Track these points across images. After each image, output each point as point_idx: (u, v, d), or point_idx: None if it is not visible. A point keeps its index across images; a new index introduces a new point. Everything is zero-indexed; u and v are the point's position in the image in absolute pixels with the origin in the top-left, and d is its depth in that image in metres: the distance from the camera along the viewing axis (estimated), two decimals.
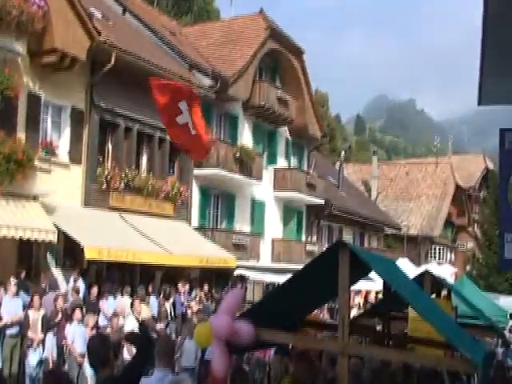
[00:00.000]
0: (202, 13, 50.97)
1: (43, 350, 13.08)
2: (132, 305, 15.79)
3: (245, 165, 25.74)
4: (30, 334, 13.21)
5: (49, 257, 17.25)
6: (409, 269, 22.59)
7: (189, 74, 24.20)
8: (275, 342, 6.76)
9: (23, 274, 15.75)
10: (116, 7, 25.57)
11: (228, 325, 5.86)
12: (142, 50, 21.83)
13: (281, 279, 18.93)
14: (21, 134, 17.08)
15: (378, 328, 9.31)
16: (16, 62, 16.71)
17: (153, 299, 17.45)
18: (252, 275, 24.22)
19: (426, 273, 10.01)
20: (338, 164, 44.60)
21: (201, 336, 6.41)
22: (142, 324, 14.33)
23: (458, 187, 52.50)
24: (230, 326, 5.86)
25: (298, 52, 30.52)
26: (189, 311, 18.23)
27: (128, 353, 12.15)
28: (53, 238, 16.27)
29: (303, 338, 6.51)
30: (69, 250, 17.65)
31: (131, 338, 6.09)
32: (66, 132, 18.85)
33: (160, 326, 15.98)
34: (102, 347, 5.37)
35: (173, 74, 22.18)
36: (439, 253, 50.12)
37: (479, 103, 7.01)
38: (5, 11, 15.68)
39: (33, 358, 12.99)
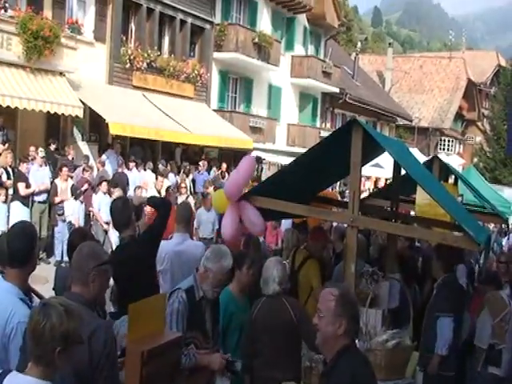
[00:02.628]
0: None
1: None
2: (155, 179, 15.93)
3: (263, 50, 25.04)
4: (57, 199, 13.37)
5: (75, 131, 17.23)
6: (419, 158, 22.45)
7: None
8: (288, 213, 6.75)
9: (52, 147, 15.77)
10: None
11: (237, 188, 5.84)
12: None
13: None
14: (48, 12, 16.61)
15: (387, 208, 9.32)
16: None
17: (171, 176, 17.55)
18: (268, 157, 24.22)
19: (435, 158, 9.90)
20: (353, 54, 43.44)
21: (217, 200, 6.44)
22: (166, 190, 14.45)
23: (469, 82, 51.26)
24: (239, 191, 5.85)
25: None
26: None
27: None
28: (79, 112, 16.15)
29: (314, 209, 6.49)
30: (94, 125, 17.61)
31: (152, 201, 6.15)
32: (91, 11, 18.32)
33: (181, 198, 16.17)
34: (124, 208, 5.42)
35: None
36: (448, 145, 49.66)
37: None
38: None
39: (61, 223, 13.23)
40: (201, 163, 19.50)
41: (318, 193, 7.99)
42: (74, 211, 13.13)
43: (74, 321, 2.72)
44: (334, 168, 6.76)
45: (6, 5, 15.58)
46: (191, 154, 21.63)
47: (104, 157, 16.65)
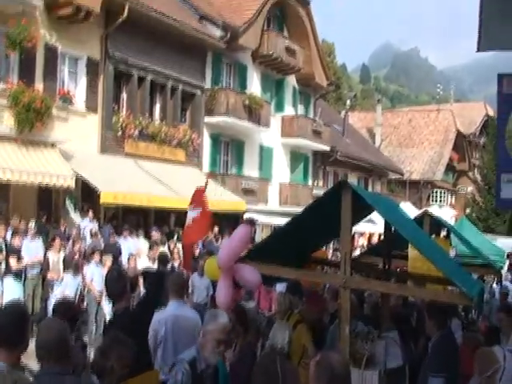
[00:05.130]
0: None
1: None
2: (150, 248, 15.95)
3: (253, 112, 25.55)
4: (50, 274, 13.41)
5: (67, 202, 17.35)
6: (411, 212, 22.61)
7: (200, 25, 23.87)
8: (282, 277, 6.84)
9: (44, 218, 15.90)
10: None
11: (229, 259, 5.95)
12: (154, 2, 21.48)
13: None
14: (39, 84, 17.02)
15: (380, 266, 9.40)
16: (33, 14, 16.50)
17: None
18: (260, 218, 24.35)
19: (426, 213, 10.06)
20: (343, 112, 44.24)
21: (210, 268, 6.53)
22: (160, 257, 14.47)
23: (459, 133, 52.09)
24: (231, 261, 5.95)
25: (304, 2, 29.93)
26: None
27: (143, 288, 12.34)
28: (71, 183, 16.35)
29: (307, 272, 6.59)
30: (86, 195, 17.74)
31: (146, 273, 6.22)
32: (83, 82, 18.76)
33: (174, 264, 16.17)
34: (118, 280, 5.49)
35: (184, 25, 21.96)
36: (440, 196, 50.06)
37: (478, 49, 6.89)
38: None
39: (54, 296, 13.19)
40: None
41: (312, 253, 8.09)
42: (67, 284, 13.13)
43: None
44: (327, 228, 6.88)
45: None
46: (184, 219, 21.68)
47: (96, 226, 16.76)
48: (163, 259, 13.13)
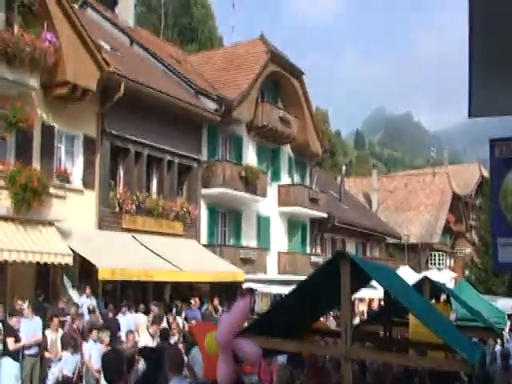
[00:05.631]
0: (206, 41, 51.34)
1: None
2: (151, 323, 15.77)
3: (250, 183, 25.79)
4: (48, 354, 13.24)
5: (65, 279, 17.27)
6: (410, 276, 22.53)
7: (194, 99, 24.39)
8: (283, 351, 6.78)
9: (41, 297, 15.78)
10: (124, 39, 25.83)
11: (228, 335, 5.92)
12: (149, 78, 22.03)
13: (287, 290, 18.91)
14: (36, 163, 17.21)
15: (381, 334, 9.32)
16: (30, 95, 16.87)
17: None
18: (260, 287, 24.20)
19: (425, 279, 10.05)
20: (339, 178, 44.64)
21: (210, 345, 6.48)
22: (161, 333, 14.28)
23: (454, 195, 52.44)
24: (230, 337, 5.92)
25: (297, 73, 30.68)
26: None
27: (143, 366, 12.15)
28: (69, 260, 16.31)
29: (307, 344, 6.54)
30: (85, 272, 17.67)
31: (144, 352, 6.16)
32: (79, 159, 18.98)
33: (173, 339, 15.96)
34: (115, 361, 5.42)
35: (179, 100, 22.43)
36: (439, 259, 49.92)
37: (470, 115, 7.02)
38: (19, 48, 15.87)
39: (52, 376, 12.97)
40: (192, 300, 19.40)
41: (312, 324, 8.04)
42: (65, 362, 12.92)
43: None
44: (327, 298, 6.88)
45: None
46: (182, 291, 21.60)
47: (94, 303, 16.62)
48: (164, 335, 12.96)
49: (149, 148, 21.52)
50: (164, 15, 50.40)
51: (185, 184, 23.84)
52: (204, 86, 26.07)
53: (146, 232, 20.70)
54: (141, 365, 11.70)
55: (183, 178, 23.70)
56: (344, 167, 50.44)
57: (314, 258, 30.17)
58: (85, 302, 16.47)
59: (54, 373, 12.81)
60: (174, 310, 18.37)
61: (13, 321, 13.13)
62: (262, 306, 24.61)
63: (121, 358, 5.50)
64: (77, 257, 16.98)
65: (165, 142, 22.18)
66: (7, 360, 12.31)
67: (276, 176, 29.88)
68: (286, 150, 31.03)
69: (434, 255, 49.83)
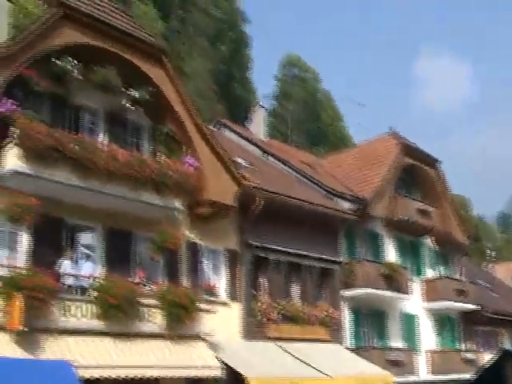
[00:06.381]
0: (336, 141, 52.41)
1: None
2: None
3: (392, 280, 25.30)
4: None
5: None
6: None
7: (328, 201, 24.75)
8: None
9: None
10: (257, 151, 27.06)
11: None
12: (284, 187, 22.78)
13: None
14: (184, 280, 18.12)
15: None
16: (175, 216, 17.92)
17: None
18: None
19: None
20: (487, 265, 42.55)
21: None
22: None
23: None
24: None
25: (432, 162, 30.33)
26: None
27: None
28: (218, 373, 16.64)
29: None
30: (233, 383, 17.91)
31: None
32: (223, 273, 19.73)
33: None
34: None
35: (315, 205, 22.85)
36: None
37: None
38: (164, 174, 17.08)
39: None
40: None
41: None
42: None
43: None
44: None
45: (145, 280, 17.19)
46: None
47: None
48: None
49: (288, 255, 21.93)
50: (291, 122, 52.27)
51: (326, 287, 23.83)
52: (337, 187, 26.43)
53: (290, 339, 20.75)
54: None
55: (324, 281, 23.73)
56: (491, 253, 48.14)
57: (466, 355, 28.60)
58: None
59: None
60: None
61: None
62: None
63: None
64: (225, 369, 17.32)
65: (303, 248, 22.51)
66: None
67: (419, 270, 29.09)
68: (427, 242, 30.24)
69: None
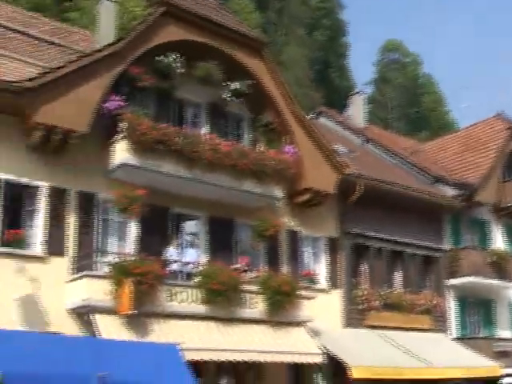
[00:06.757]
0: (438, 127, 51.01)
1: None
2: None
3: (500, 268, 24.51)
4: None
5: (317, 377, 17.79)
6: None
7: (432, 188, 24.29)
8: None
9: None
10: (356, 138, 26.91)
11: None
12: (384, 174, 22.57)
13: None
14: (284, 267, 18.49)
15: None
16: (275, 205, 18.32)
17: None
18: None
19: None
20: None
21: None
22: None
23: None
24: None
25: None
26: None
27: None
28: (319, 360, 16.84)
29: None
30: (335, 371, 18.07)
31: None
32: (323, 260, 19.92)
33: None
34: None
35: (417, 191, 22.52)
36: None
37: None
38: (264, 164, 17.46)
39: None
40: None
41: None
42: None
43: None
44: None
45: (247, 267, 17.66)
46: None
47: None
48: None
49: (390, 243, 21.78)
50: (391, 108, 51.35)
51: (429, 275, 23.46)
52: (441, 173, 25.83)
53: (391, 328, 20.63)
54: None
55: (427, 270, 23.36)
56: None
57: None
58: None
59: None
60: None
61: None
62: None
63: None
64: (326, 356, 17.52)
65: (405, 235, 22.26)
66: None
67: None
68: None
69: None
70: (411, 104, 54.23)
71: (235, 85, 17.92)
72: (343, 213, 20.56)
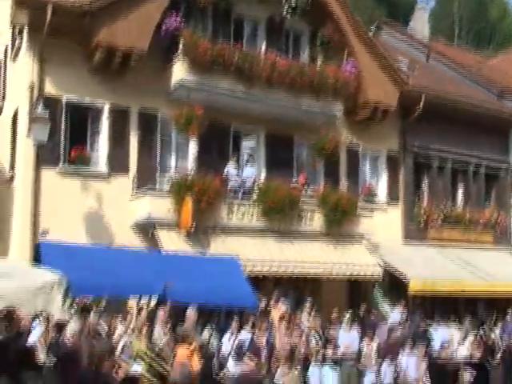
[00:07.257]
0: (504, 40, 48.42)
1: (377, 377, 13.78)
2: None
3: None
4: (363, 363, 14.03)
5: (376, 291, 18.06)
6: None
7: (498, 102, 23.47)
8: None
9: (362, 310, 16.56)
10: (419, 53, 26.02)
11: None
12: (448, 88, 21.87)
13: None
14: (343, 184, 18.54)
15: None
16: (334, 122, 18.20)
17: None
18: None
19: None
20: None
21: None
22: None
23: None
24: None
25: None
26: None
27: None
28: (378, 273, 17.13)
29: None
30: (393, 284, 18.28)
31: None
32: (383, 177, 19.84)
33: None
34: None
35: (481, 104, 21.82)
36: None
37: None
38: (323, 80, 17.24)
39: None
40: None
41: None
42: (385, 372, 13.57)
43: None
44: None
45: (305, 184, 17.84)
46: (493, 304, 20.81)
47: (404, 316, 16.88)
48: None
49: (452, 159, 21.38)
50: (458, 21, 48.97)
51: (492, 192, 23.04)
52: (508, 87, 24.84)
53: (452, 244, 20.55)
54: None
55: (491, 186, 22.91)
56: None
57: None
58: (396, 316, 16.94)
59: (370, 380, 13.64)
60: (488, 323, 17.88)
61: (332, 331, 14.27)
62: None
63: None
64: (386, 270, 17.75)
65: (469, 151, 21.74)
66: (327, 368, 13.48)
67: None
68: None
69: None
70: (477, 17, 51.37)
71: (294, 0, 17.53)
72: (404, 129, 20.20)
